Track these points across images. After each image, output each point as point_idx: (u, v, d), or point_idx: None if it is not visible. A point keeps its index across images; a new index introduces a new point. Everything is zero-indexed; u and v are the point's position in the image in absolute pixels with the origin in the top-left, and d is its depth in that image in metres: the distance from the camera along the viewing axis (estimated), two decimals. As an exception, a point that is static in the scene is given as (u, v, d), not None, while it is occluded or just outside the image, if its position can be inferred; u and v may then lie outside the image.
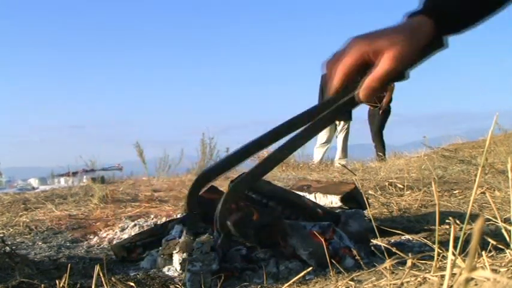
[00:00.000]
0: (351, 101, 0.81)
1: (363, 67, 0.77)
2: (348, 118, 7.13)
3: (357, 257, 1.39)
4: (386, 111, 6.91)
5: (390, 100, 6.82)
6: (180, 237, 1.53)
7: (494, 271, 0.85)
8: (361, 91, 0.78)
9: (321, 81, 7.24)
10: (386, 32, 0.76)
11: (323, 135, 7.15)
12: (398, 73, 0.76)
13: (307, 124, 0.88)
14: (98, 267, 1.08)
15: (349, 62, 0.76)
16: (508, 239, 0.86)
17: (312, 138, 0.91)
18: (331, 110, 0.84)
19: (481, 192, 2.71)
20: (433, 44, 0.79)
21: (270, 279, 1.33)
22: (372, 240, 1.61)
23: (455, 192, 2.93)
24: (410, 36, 0.74)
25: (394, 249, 1.09)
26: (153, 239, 1.69)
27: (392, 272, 1.11)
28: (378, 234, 1.23)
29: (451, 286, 0.68)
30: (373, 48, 0.74)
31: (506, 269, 0.86)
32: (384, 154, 6.75)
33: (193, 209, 0.94)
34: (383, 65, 0.73)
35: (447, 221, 0.96)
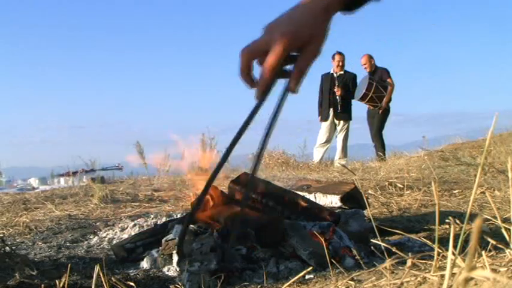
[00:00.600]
0: (285, 92, 0.86)
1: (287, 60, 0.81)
2: (347, 118, 7.14)
3: (357, 257, 1.39)
4: (386, 111, 6.91)
5: (389, 100, 6.82)
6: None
7: (494, 271, 0.85)
8: (292, 84, 0.82)
9: (321, 81, 7.24)
10: (283, 14, 0.79)
11: (323, 135, 7.16)
12: (291, 50, 0.79)
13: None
14: (97, 267, 1.08)
15: (279, 55, 0.78)
16: (507, 238, 0.86)
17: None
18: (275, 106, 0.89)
19: (481, 192, 2.71)
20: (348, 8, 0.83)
21: (270, 279, 1.33)
22: (371, 240, 1.61)
23: (455, 192, 2.93)
24: (323, 21, 0.78)
25: (394, 249, 1.09)
26: (153, 239, 1.69)
27: (392, 272, 1.11)
28: (377, 234, 1.23)
29: (451, 286, 0.68)
30: (298, 43, 0.78)
31: (506, 268, 0.86)
32: (384, 154, 6.74)
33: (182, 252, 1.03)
34: (305, 58, 0.79)
35: (447, 220, 0.96)
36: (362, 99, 6.82)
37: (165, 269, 1.46)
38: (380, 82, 6.76)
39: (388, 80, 6.86)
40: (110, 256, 1.77)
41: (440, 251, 0.92)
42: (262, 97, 0.85)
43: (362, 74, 7.09)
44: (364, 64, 6.95)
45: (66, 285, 1.14)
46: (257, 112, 0.89)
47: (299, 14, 0.78)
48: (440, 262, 0.95)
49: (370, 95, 6.70)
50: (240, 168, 7.02)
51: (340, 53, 6.99)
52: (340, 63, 7.00)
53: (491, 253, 1.04)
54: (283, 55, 0.78)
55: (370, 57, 6.97)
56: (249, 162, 8.17)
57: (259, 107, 0.88)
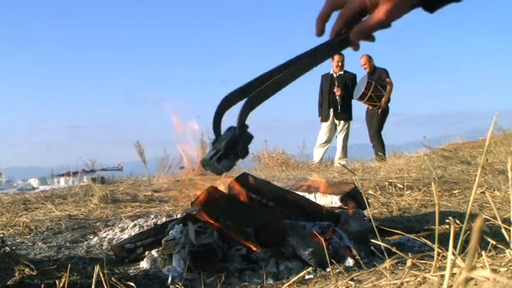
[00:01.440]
0: (344, 40, 0.91)
1: (361, 15, 0.87)
2: (347, 118, 7.14)
3: (357, 257, 1.39)
4: (385, 111, 6.91)
5: (388, 100, 6.82)
6: (180, 237, 1.53)
7: (494, 271, 0.85)
8: (352, 33, 0.88)
9: (321, 81, 7.24)
10: None
11: (323, 136, 7.16)
12: (387, 25, 0.85)
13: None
14: (97, 267, 1.08)
15: (353, 8, 0.86)
16: (507, 238, 0.86)
17: (309, 70, 0.96)
18: (327, 44, 0.94)
19: (481, 192, 2.71)
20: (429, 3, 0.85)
21: (270, 279, 1.33)
22: (371, 240, 1.61)
23: (455, 192, 2.93)
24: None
25: (394, 249, 1.09)
26: (153, 239, 1.69)
27: (392, 272, 1.11)
28: (377, 234, 1.23)
29: (451, 286, 0.68)
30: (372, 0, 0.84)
31: (506, 268, 0.86)
32: (384, 154, 6.74)
33: (217, 131, 0.98)
34: (375, 15, 0.84)
35: (447, 220, 0.96)
36: (361, 98, 6.82)
37: (165, 269, 1.46)
38: (379, 82, 6.76)
39: (387, 79, 6.86)
40: (109, 256, 1.77)
41: (440, 251, 0.92)
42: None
43: (362, 74, 7.10)
44: (364, 64, 6.95)
45: (66, 285, 1.14)
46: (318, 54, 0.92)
47: None
48: (440, 262, 0.95)
49: (369, 94, 6.70)
50: (240, 168, 7.02)
51: (339, 53, 7.00)
52: (340, 64, 7.00)
53: (491, 253, 1.04)
54: (356, 6, 0.85)
55: (370, 58, 6.97)
56: (249, 162, 8.17)
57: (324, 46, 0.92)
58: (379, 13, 0.83)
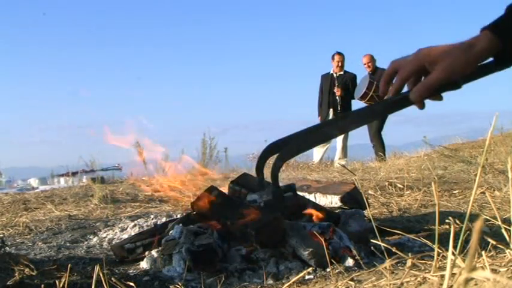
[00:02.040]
0: (403, 99, 0.93)
1: (421, 74, 0.90)
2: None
3: (357, 257, 1.39)
4: (385, 112, 6.92)
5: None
6: (180, 237, 1.53)
7: (494, 271, 0.85)
8: (411, 93, 0.90)
9: (321, 81, 7.24)
10: (446, 46, 0.87)
11: (323, 136, 7.16)
12: (448, 83, 0.87)
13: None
14: (97, 267, 1.08)
15: (409, 69, 0.90)
16: (507, 238, 0.86)
17: (362, 125, 0.99)
18: (386, 102, 0.97)
19: (481, 192, 2.71)
20: (502, 60, 0.86)
21: (270, 279, 1.33)
22: (371, 240, 1.62)
23: (455, 192, 2.93)
24: (464, 50, 0.84)
25: (394, 249, 1.09)
26: (153, 239, 1.69)
27: (392, 272, 1.11)
28: (377, 234, 1.23)
29: (451, 286, 0.68)
30: (430, 59, 0.86)
31: (506, 269, 0.86)
32: (384, 154, 6.74)
33: (260, 173, 1.04)
34: (433, 74, 0.86)
35: (447, 220, 0.96)
36: (362, 98, 6.82)
37: (165, 269, 1.46)
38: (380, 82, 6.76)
39: None
40: (109, 256, 1.77)
41: (440, 251, 0.92)
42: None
43: (362, 74, 7.09)
44: (368, 63, 6.93)
45: (66, 285, 1.14)
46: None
47: (450, 44, 0.87)
48: (440, 262, 0.95)
49: (370, 94, 6.70)
50: (240, 168, 7.02)
51: (339, 53, 6.99)
52: (340, 64, 7.00)
53: (491, 253, 1.04)
54: (415, 66, 0.88)
55: (372, 58, 6.96)
56: (249, 162, 8.17)
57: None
58: (437, 71, 0.85)
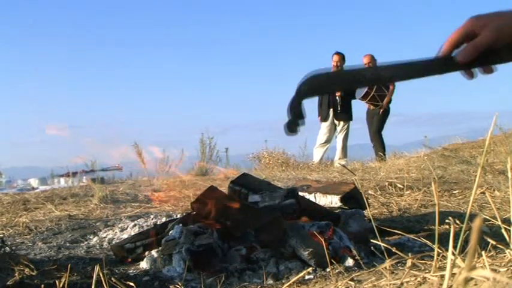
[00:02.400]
0: (451, 59, 0.91)
1: (470, 37, 0.88)
2: (347, 118, 7.13)
3: (357, 257, 1.39)
4: (386, 112, 6.90)
5: (390, 100, 6.82)
6: (180, 237, 1.53)
7: (494, 271, 0.85)
8: (460, 53, 0.89)
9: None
10: (496, 12, 0.87)
11: (323, 136, 7.15)
12: (498, 49, 0.85)
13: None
14: (97, 267, 1.08)
15: (458, 31, 0.89)
16: (507, 239, 0.86)
17: (412, 78, 0.96)
18: (434, 60, 0.94)
19: (481, 192, 2.71)
20: None
21: (270, 279, 1.33)
22: (371, 240, 1.62)
23: (455, 192, 2.93)
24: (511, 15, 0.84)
25: (394, 249, 1.09)
26: (152, 239, 1.69)
27: (392, 272, 1.11)
28: (377, 235, 1.23)
29: (451, 286, 0.68)
30: (480, 22, 0.86)
31: (505, 268, 0.86)
32: (384, 154, 6.73)
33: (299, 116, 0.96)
34: (483, 34, 0.85)
35: (447, 221, 0.96)
36: (364, 97, 6.81)
37: (165, 269, 1.46)
38: None
39: None
40: (109, 256, 1.77)
41: (440, 251, 0.92)
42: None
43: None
44: (368, 63, 6.93)
45: (66, 285, 1.14)
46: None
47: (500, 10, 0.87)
48: (440, 262, 0.95)
49: (372, 94, 6.69)
50: (240, 168, 7.02)
51: (337, 54, 6.99)
52: (338, 64, 6.99)
53: (491, 253, 1.04)
54: (465, 29, 0.88)
55: (373, 58, 6.96)
56: (249, 162, 8.17)
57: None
58: (486, 31, 0.84)
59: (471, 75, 0.91)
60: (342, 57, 7.01)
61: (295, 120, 0.95)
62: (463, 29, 0.88)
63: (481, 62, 0.89)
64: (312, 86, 0.96)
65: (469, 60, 0.87)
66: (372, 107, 6.98)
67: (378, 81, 1.00)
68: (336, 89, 1.08)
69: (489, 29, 0.84)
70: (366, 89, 6.65)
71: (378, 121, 6.98)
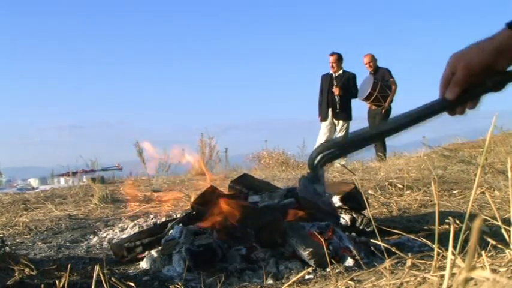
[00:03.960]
0: (442, 100, 0.98)
1: (454, 75, 0.95)
2: (346, 118, 7.13)
3: (357, 257, 1.39)
4: (387, 111, 6.90)
5: (392, 100, 6.81)
6: (180, 237, 1.53)
7: (494, 271, 0.85)
8: (446, 93, 0.96)
9: (321, 82, 7.24)
10: (470, 46, 0.93)
11: (322, 135, 7.15)
12: (477, 83, 0.93)
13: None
14: (97, 267, 1.08)
15: (446, 71, 0.97)
16: (507, 238, 0.86)
17: (401, 130, 1.04)
18: (426, 106, 1.02)
19: (481, 192, 2.71)
20: None
21: (270, 279, 1.33)
22: (371, 240, 1.62)
23: (455, 192, 2.93)
24: (482, 45, 0.90)
25: (394, 249, 1.09)
26: (152, 238, 1.69)
27: (392, 272, 1.11)
28: (377, 234, 1.23)
29: (451, 286, 0.68)
30: (456, 60, 0.94)
31: (505, 268, 0.86)
32: (385, 154, 6.73)
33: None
34: (457, 72, 0.93)
35: (447, 220, 0.97)
36: (367, 98, 6.80)
37: (165, 269, 1.46)
38: (383, 81, 6.75)
39: (391, 79, 6.85)
40: (109, 256, 1.77)
41: (440, 251, 0.92)
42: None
43: (361, 74, 7.09)
44: (369, 62, 6.92)
45: (66, 285, 1.14)
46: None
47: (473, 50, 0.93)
48: (440, 262, 0.95)
49: (375, 95, 6.68)
50: (240, 168, 7.02)
51: (333, 54, 6.99)
52: (333, 65, 7.00)
53: (491, 253, 1.04)
54: (448, 71, 0.96)
55: (373, 57, 6.95)
56: (249, 162, 8.17)
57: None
58: (460, 68, 0.92)
59: (462, 112, 0.98)
60: (338, 57, 7.01)
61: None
62: (448, 67, 0.96)
63: (468, 96, 0.96)
64: (325, 158, 1.06)
65: (455, 97, 0.95)
66: (374, 107, 6.97)
67: (382, 136, 1.09)
68: (348, 153, 1.19)
69: (461, 65, 0.92)
70: (369, 90, 6.65)
71: (380, 121, 6.98)
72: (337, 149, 1.09)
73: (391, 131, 1.06)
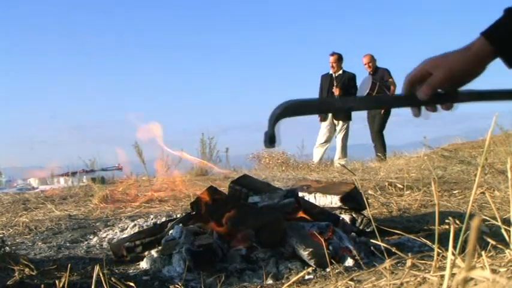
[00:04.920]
0: (412, 96, 1.01)
1: (426, 77, 0.98)
2: (347, 118, 7.13)
3: (357, 257, 1.39)
4: (387, 112, 6.91)
5: (391, 101, 6.82)
6: (180, 237, 1.53)
7: (494, 271, 0.85)
8: (418, 91, 0.98)
9: (321, 82, 7.24)
10: (447, 53, 0.96)
11: (322, 136, 7.15)
12: (451, 88, 0.96)
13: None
14: (97, 267, 1.08)
15: (415, 72, 0.99)
16: (507, 239, 0.86)
17: (366, 109, 1.13)
18: (397, 96, 1.08)
19: (481, 192, 2.71)
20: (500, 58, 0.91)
21: (269, 279, 1.33)
22: (371, 240, 1.61)
23: (455, 192, 2.93)
24: (461, 53, 0.93)
25: (394, 249, 1.09)
26: (152, 238, 1.69)
27: (392, 272, 1.11)
28: (377, 234, 1.23)
29: (451, 286, 0.68)
30: (434, 63, 0.96)
31: (505, 269, 0.86)
32: (385, 154, 6.73)
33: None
34: (435, 74, 0.95)
35: (447, 221, 0.96)
36: None
37: (164, 269, 1.46)
38: (382, 82, 6.75)
39: (390, 80, 6.86)
40: (109, 256, 1.77)
41: (440, 251, 0.92)
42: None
43: (361, 74, 7.09)
44: (368, 63, 6.93)
45: (66, 285, 1.14)
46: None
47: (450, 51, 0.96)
48: (440, 262, 0.95)
49: (373, 95, 6.69)
50: (240, 168, 7.02)
51: (333, 54, 6.99)
52: (333, 65, 7.00)
53: (491, 253, 1.04)
54: (419, 71, 0.98)
55: (373, 58, 6.96)
56: (249, 163, 8.17)
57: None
58: (438, 71, 0.94)
59: (433, 110, 1.00)
60: (338, 57, 7.02)
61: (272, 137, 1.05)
62: (419, 69, 0.98)
63: (439, 99, 0.99)
64: (286, 111, 1.03)
65: (427, 97, 0.97)
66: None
67: (345, 110, 1.12)
68: (308, 114, 1.18)
69: (441, 69, 0.94)
70: (367, 91, 6.65)
71: (379, 121, 6.98)
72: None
73: (353, 107, 1.11)
